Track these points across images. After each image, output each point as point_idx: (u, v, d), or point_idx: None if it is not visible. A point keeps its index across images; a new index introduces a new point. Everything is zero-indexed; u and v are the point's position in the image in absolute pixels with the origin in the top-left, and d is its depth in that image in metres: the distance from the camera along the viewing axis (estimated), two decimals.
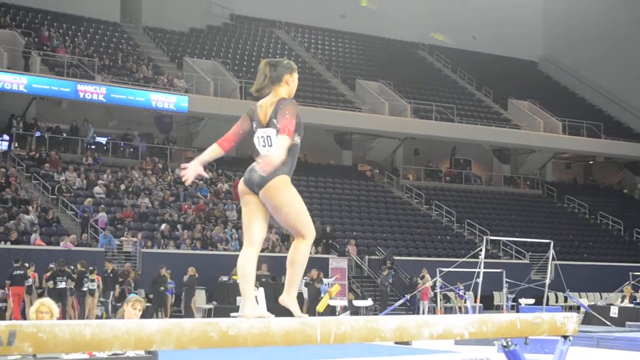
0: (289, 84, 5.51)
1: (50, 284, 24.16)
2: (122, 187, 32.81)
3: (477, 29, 55.44)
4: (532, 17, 57.77)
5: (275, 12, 50.18)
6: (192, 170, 5.57)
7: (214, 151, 5.63)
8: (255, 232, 5.53)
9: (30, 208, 29.18)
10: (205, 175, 5.72)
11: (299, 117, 5.44)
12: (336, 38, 52.34)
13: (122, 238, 29.09)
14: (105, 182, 32.64)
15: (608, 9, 54.52)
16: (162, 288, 26.03)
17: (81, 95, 34.21)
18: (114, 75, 36.70)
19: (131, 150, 37.22)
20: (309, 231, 5.37)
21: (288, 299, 5.41)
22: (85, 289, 24.37)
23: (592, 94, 56.38)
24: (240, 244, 30.82)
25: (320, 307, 25.57)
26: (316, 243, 32.42)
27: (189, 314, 26.20)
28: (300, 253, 5.34)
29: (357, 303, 27.03)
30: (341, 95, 43.55)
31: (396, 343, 17.01)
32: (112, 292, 25.25)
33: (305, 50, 49.05)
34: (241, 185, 5.39)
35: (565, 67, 58.11)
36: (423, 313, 29.14)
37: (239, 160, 40.18)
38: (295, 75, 5.57)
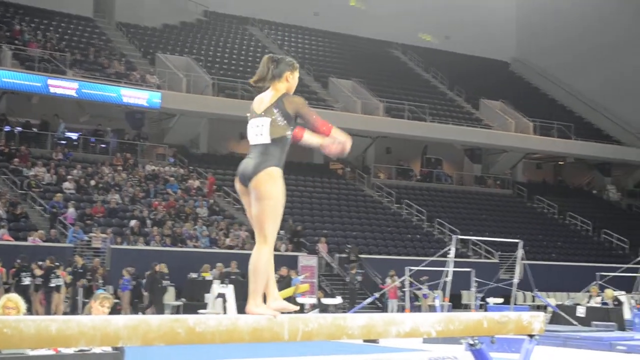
0: (289, 81, 5.55)
1: (15, 280, 23.99)
2: (92, 182, 32.64)
3: (450, 29, 55.63)
4: (505, 18, 58.06)
5: (249, 9, 50.08)
6: None
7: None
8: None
9: None
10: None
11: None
12: (309, 36, 52.32)
13: (91, 234, 28.93)
14: (75, 177, 32.45)
15: (580, 11, 54.87)
16: (160, 285, 26.11)
17: (52, 90, 33.98)
18: (86, 70, 36.47)
19: (102, 146, 37.02)
20: (273, 237, 5.32)
21: (251, 307, 5.22)
22: (52, 285, 24.20)
23: (563, 95, 56.75)
24: (210, 241, 30.94)
25: (281, 296, 25.59)
26: (287, 241, 32.43)
27: (158, 310, 26.10)
28: (262, 260, 5.26)
29: (326, 301, 27.07)
30: (314, 93, 43.54)
31: (365, 341, 17.08)
32: (80, 288, 25.09)
33: (279, 48, 48.97)
34: (237, 184, 5.47)
35: (536, 68, 58.45)
36: (392, 312, 29.22)
37: (210, 156, 40.18)
38: (296, 74, 5.61)
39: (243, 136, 42.22)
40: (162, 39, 44.50)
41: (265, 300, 5.31)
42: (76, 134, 37.14)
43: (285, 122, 5.35)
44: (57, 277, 24.31)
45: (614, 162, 51.58)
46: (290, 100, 5.40)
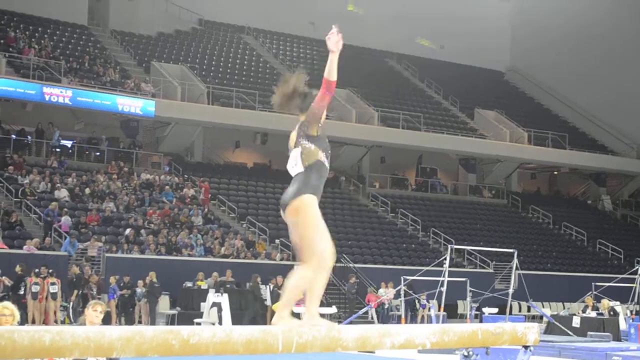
0: None
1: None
2: (87, 191, 32.60)
3: (445, 38, 55.72)
4: (500, 29, 58.15)
5: (245, 18, 50.13)
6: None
7: None
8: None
9: None
10: None
11: (324, 132, 5.64)
12: (305, 45, 52.38)
13: (87, 243, 28.88)
14: (70, 185, 32.42)
15: (574, 21, 54.96)
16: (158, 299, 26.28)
17: (47, 97, 33.96)
18: (81, 78, 36.47)
19: (97, 154, 37.01)
20: (312, 259, 5.38)
21: (280, 319, 5.34)
22: (21, 292, 24.17)
23: (557, 105, 56.86)
24: (205, 250, 30.89)
25: (276, 306, 25.59)
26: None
27: (152, 319, 26.07)
28: (295, 276, 5.40)
29: (321, 310, 27.01)
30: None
31: (359, 352, 17.03)
32: (75, 297, 25.04)
33: (274, 57, 49.05)
34: (281, 212, 5.54)
35: (531, 78, 58.57)
36: (372, 319, 29.41)
37: (205, 165, 40.17)
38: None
39: (238, 145, 42.31)
40: (157, 47, 44.52)
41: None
42: (71, 142, 37.12)
43: (313, 145, 5.49)
44: (52, 284, 24.30)
45: (609, 172, 51.69)
46: (305, 122, 5.57)
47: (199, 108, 38.07)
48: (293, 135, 5.60)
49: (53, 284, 24.31)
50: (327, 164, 5.57)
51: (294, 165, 5.50)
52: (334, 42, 5.66)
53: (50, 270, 24.71)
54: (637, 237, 47.70)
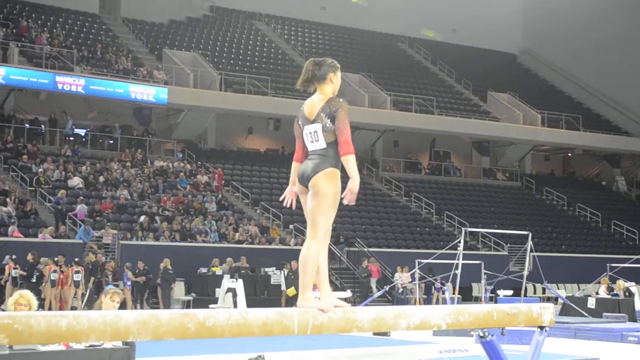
0: (333, 82, 5.76)
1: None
2: (101, 179, 32.70)
3: (457, 21, 55.51)
4: (512, 11, 57.88)
5: (256, 4, 50.09)
6: (291, 195, 5.87)
7: (295, 169, 5.83)
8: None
9: (8, 200, 29.03)
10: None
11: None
12: (316, 30, 52.29)
13: (101, 230, 28.99)
14: (84, 174, 32.52)
15: (586, 2, 54.69)
16: (172, 286, 26.39)
17: (60, 86, 34.01)
18: (93, 66, 36.53)
19: (110, 142, 37.08)
20: (322, 233, 5.49)
21: (303, 301, 5.35)
22: (34, 280, 24.30)
23: (571, 87, 56.62)
24: (219, 236, 31.01)
25: (291, 291, 25.67)
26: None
27: (167, 305, 26.17)
28: (310, 255, 5.43)
29: (336, 294, 27.03)
30: None
31: (375, 334, 17.07)
32: (92, 284, 25.15)
33: (286, 42, 48.99)
34: (297, 185, 5.70)
35: (544, 60, 58.31)
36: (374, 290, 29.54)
37: (217, 152, 40.24)
38: (339, 74, 5.84)
39: (251, 131, 42.31)
40: (168, 34, 44.53)
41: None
42: (84, 130, 37.21)
43: (334, 126, 5.55)
44: (76, 272, 24.49)
45: (623, 153, 51.48)
46: (334, 103, 5.61)
47: (211, 95, 38.07)
48: (313, 106, 5.66)
49: (77, 272, 24.47)
50: None
51: (314, 141, 5.59)
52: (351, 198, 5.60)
53: (77, 259, 24.91)
54: None
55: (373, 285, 30.61)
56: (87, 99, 36.67)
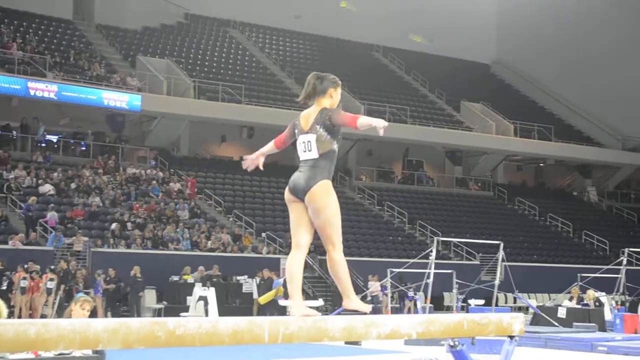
0: (332, 97, 5.89)
1: None
2: (73, 185, 32.52)
3: (431, 32, 55.74)
4: (486, 22, 58.20)
5: (230, 11, 50.06)
6: (252, 161, 6.16)
7: (270, 147, 6.21)
8: (301, 236, 5.84)
9: None
10: (261, 167, 6.28)
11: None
12: (291, 39, 52.35)
13: (73, 237, 28.81)
14: (55, 180, 32.33)
15: (559, 14, 55.12)
16: (140, 294, 26.22)
17: (32, 92, 33.83)
18: (66, 73, 36.35)
19: (82, 148, 36.89)
20: (339, 242, 5.71)
21: (349, 302, 5.71)
22: (4, 287, 24.13)
23: (543, 98, 57.02)
24: (191, 244, 30.90)
25: (262, 299, 25.59)
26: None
27: (137, 313, 26.04)
28: (338, 265, 5.68)
29: (308, 303, 26.98)
30: (295, 96, 43.46)
31: (346, 343, 17.07)
32: (63, 292, 25.00)
33: (260, 50, 48.99)
34: (287, 194, 5.86)
35: (517, 70, 58.70)
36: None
37: (190, 159, 40.14)
38: (339, 90, 5.95)
39: (224, 139, 42.26)
40: (142, 41, 44.40)
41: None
42: (56, 137, 36.99)
43: (329, 136, 5.74)
44: (50, 280, 24.35)
45: (594, 164, 51.87)
46: (327, 112, 5.76)
47: (185, 102, 38.00)
48: (308, 117, 5.82)
49: (51, 279, 24.31)
50: (337, 151, 5.85)
51: (307, 150, 5.75)
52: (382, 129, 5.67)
53: (52, 267, 24.76)
54: (622, 228, 47.94)
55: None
56: (59, 105, 36.46)
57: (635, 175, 53.98)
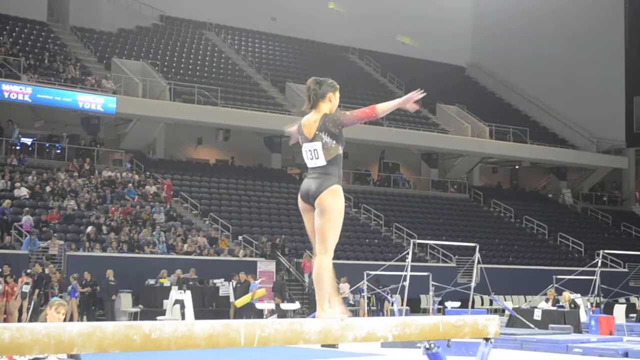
0: (332, 101, 6.02)
1: None
2: (48, 189, 32.32)
3: (407, 34, 55.90)
4: (461, 24, 58.45)
5: (206, 14, 49.94)
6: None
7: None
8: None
9: None
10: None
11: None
12: (267, 41, 52.30)
13: (48, 241, 28.63)
14: (30, 183, 32.12)
15: (534, 17, 55.40)
16: (113, 297, 26.07)
17: (6, 95, 33.58)
18: (40, 75, 36.13)
19: (57, 151, 36.66)
20: (332, 248, 5.74)
21: (322, 313, 5.61)
22: None
23: (518, 100, 57.28)
24: (168, 247, 30.78)
25: (239, 302, 25.55)
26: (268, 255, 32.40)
27: (112, 317, 25.91)
28: (324, 271, 5.68)
29: (285, 306, 27.05)
30: (271, 98, 43.54)
31: (323, 346, 17.07)
32: (37, 296, 24.82)
33: (236, 53, 48.92)
34: (300, 202, 5.96)
35: (492, 73, 58.94)
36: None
37: (166, 162, 40.00)
38: (338, 94, 6.09)
39: (200, 142, 42.16)
40: (117, 43, 44.20)
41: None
42: (31, 140, 36.75)
43: (334, 142, 5.83)
44: (26, 283, 24.17)
45: (569, 166, 52.16)
46: (329, 119, 5.86)
47: (160, 104, 37.88)
48: (309, 125, 5.90)
49: (27, 283, 24.15)
50: (342, 155, 5.91)
51: (314, 158, 5.83)
52: (410, 101, 5.89)
53: (29, 271, 24.60)
54: (597, 230, 48.22)
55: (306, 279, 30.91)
56: (34, 108, 36.26)
57: (609, 178, 54.36)
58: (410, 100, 5.77)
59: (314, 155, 5.84)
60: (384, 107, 5.79)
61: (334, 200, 5.70)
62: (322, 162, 5.80)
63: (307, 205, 5.85)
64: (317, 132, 5.82)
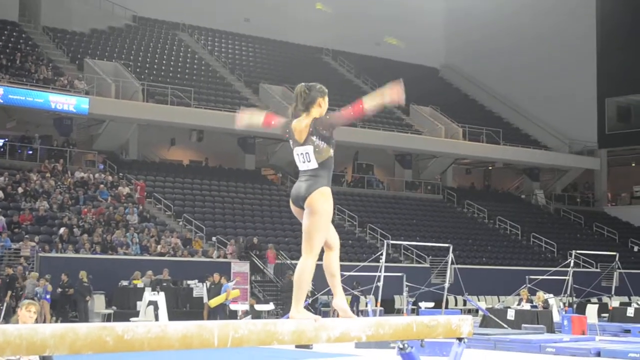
0: (322, 106, 6.08)
1: None
2: (20, 190, 32.10)
3: (380, 35, 56.00)
4: (434, 25, 58.66)
5: (179, 14, 49.80)
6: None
7: (260, 121, 6.37)
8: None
9: None
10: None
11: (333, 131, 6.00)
12: (240, 42, 52.23)
13: (20, 242, 28.43)
14: (2, 184, 31.89)
15: (507, 19, 55.67)
16: (87, 298, 25.94)
17: None
18: (12, 75, 35.89)
19: (29, 152, 36.42)
20: (318, 249, 5.79)
21: (296, 314, 5.65)
22: None
23: (491, 101, 57.56)
24: (141, 248, 30.65)
25: (213, 302, 25.49)
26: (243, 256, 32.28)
27: (86, 318, 25.76)
28: (305, 272, 5.74)
29: (259, 307, 27.01)
30: (244, 99, 43.47)
31: (297, 347, 17.06)
32: (9, 298, 24.64)
33: (209, 54, 48.82)
34: (292, 207, 6.00)
35: (465, 74, 59.18)
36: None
37: (139, 163, 39.84)
38: (327, 99, 6.14)
39: (173, 142, 42.03)
40: (90, 44, 43.97)
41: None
42: (2, 140, 36.49)
43: (325, 144, 5.95)
44: None
45: (542, 167, 52.44)
46: (319, 122, 5.93)
47: (133, 105, 37.72)
48: (301, 129, 5.94)
49: None
50: (333, 157, 6.02)
51: (306, 161, 5.90)
52: (397, 95, 5.97)
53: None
54: (569, 231, 48.50)
55: (271, 269, 31.16)
56: (5, 109, 36.01)
57: (581, 179, 54.74)
58: (395, 92, 5.89)
59: (305, 158, 5.92)
60: (371, 105, 5.90)
61: (323, 201, 5.77)
62: (313, 164, 5.89)
63: (299, 209, 5.90)
64: (308, 137, 5.91)
